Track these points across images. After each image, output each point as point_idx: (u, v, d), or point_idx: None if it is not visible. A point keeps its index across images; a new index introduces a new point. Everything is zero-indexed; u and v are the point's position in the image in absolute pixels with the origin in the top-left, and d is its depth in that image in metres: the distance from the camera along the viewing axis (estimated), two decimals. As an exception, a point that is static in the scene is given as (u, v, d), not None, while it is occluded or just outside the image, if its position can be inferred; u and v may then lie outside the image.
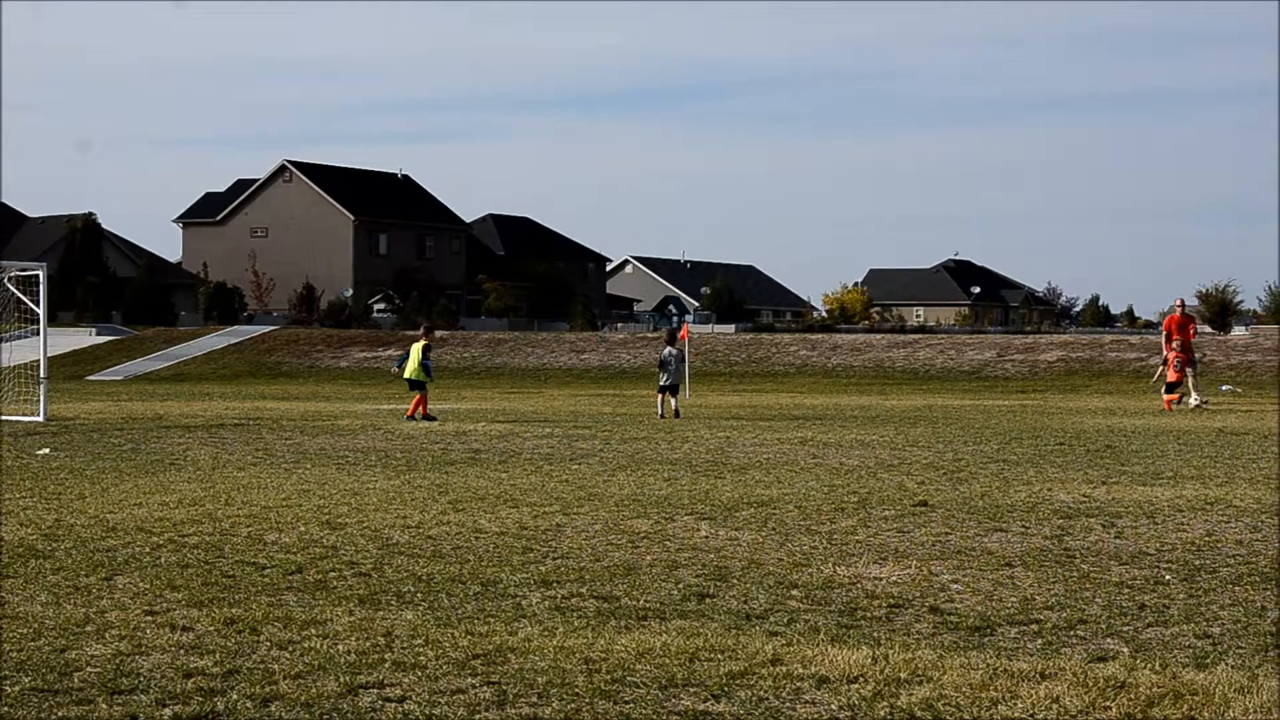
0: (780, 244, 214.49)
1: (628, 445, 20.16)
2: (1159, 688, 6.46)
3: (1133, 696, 6.34)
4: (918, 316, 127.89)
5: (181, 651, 7.23)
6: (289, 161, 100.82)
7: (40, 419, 25.28)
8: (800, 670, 6.81)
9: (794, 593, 8.87)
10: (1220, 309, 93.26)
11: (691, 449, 19.50)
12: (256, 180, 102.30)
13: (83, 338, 66.82)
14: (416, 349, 27.59)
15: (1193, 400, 31.96)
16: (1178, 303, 33.70)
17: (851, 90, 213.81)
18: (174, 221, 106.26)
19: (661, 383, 27.50)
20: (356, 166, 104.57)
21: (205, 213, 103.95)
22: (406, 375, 27.54)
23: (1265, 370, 44.83)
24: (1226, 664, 6.98)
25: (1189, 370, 32.50)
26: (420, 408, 26.54)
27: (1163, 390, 31.23)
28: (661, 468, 16.69)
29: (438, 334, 30.22)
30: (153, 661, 7.02)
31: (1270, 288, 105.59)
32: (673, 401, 26.99)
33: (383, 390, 44.95)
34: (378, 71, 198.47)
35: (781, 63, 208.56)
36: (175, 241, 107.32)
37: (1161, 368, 31.96)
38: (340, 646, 7.31)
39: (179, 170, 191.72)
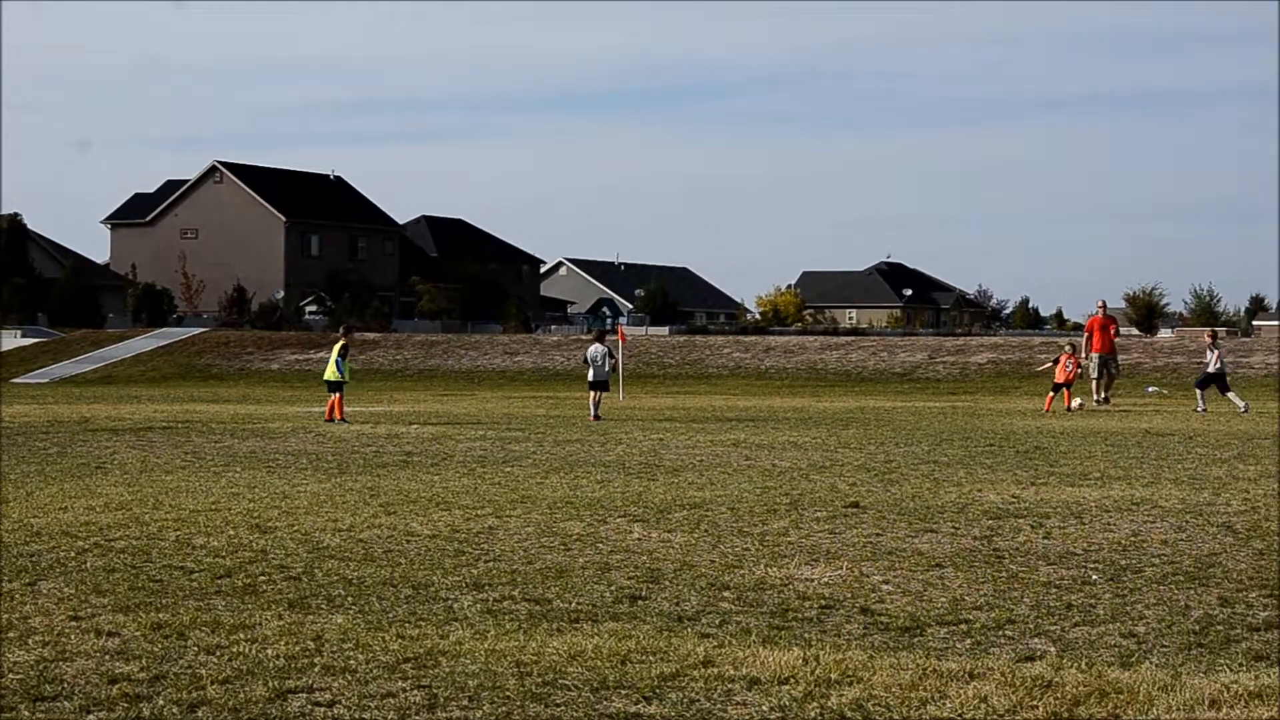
0: (714, 246, 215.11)
1: (561, 447, 20.14)
2: (1085, 686, 6.53)
3: (1059, 695, 6.41)
4: (850, 319, 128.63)
5: (107, 657, 7.14)
6: (219, 162, 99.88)
7: (-36, 422, 24.87)
8: (732, 672, 6.83)
9: (726, 594, 8.89)
10: (1147, 311, 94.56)
11: (625, 451, 19.51)
12: (186, 181, 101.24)
13: (7, 340, 65.87)
14: (334, 350, 27.42)
15: (1094, 400, 32.51)
16: (1099, 304, 34.16)
17: (783, 94, 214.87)
18: (102, 223, 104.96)
19: (589, 379, 27.64)
20: (288, 168, 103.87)
21: (134, 214, 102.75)
22: (325, 377, 27.32)
23: (1190, 372, 45.45)
24: (1151, 663, 7.07)
25: (1106, 371, 32.98)
26: (336, 410, 26.29)
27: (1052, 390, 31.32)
28: (594, 470, 16.68)
29: (357, 335, 29.94)
30: (77, 667, 6.93)
31: (1196, 290, 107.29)
32: (593, 398, 27.01)
33: (314, 393, 44.63)
34: (308, 72, 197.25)
35: (714, 67, 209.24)
36: (103, 243, 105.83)
37: (1050, 364, 32.69)
38: (269, 651, 7.25)
39: (107, 171, 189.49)
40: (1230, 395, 30.04)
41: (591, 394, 27.23)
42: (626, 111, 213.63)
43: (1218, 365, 30.38)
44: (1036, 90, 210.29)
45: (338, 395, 26.59)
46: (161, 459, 18.23)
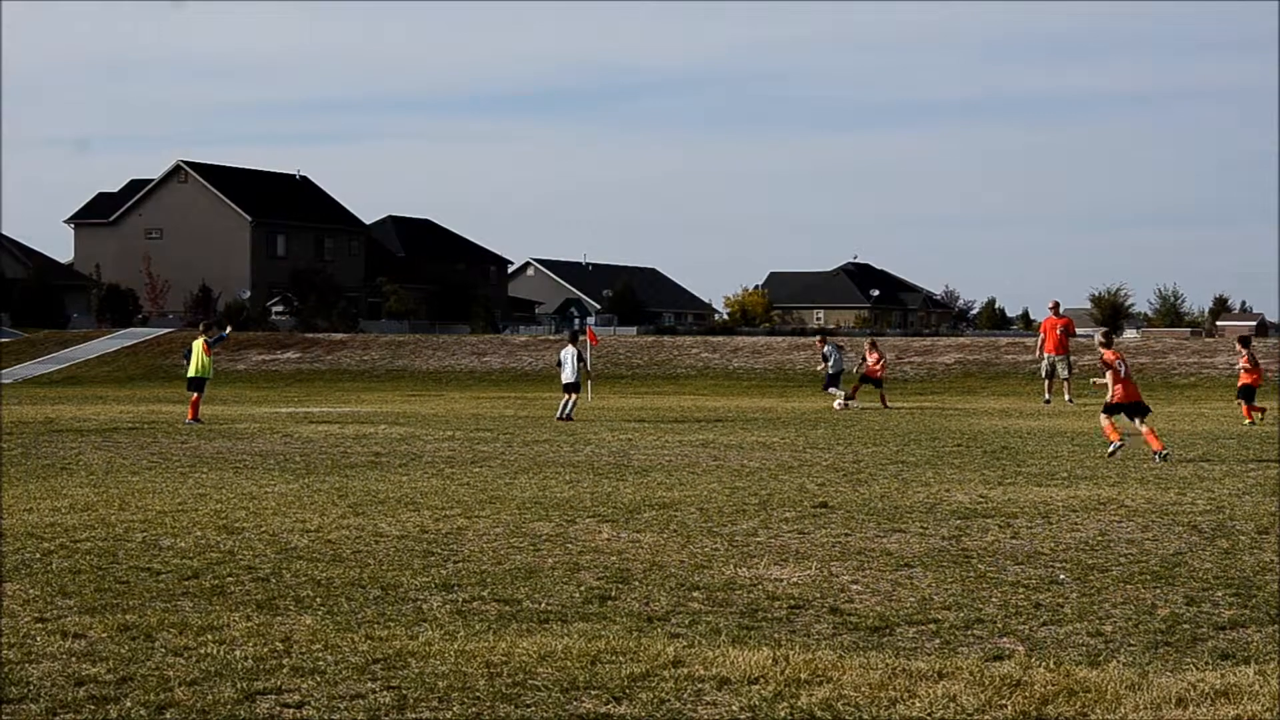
0: (682, 247, 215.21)
1: (530, 448, 20.11)
2: (1053, 685, 6.56)
3: (1028, 694, 6.44)
4: (818, 319, 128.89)
5: (73, 659, 7.09)
6: (184, 162, 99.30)
7: (-74, 423, 24.67)
8: (702, 671, 6.83)
9: (695, 594, 8.89)
10: (1111, 312, 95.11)
11: (593, 451, 19.50)
12: (151, 181, 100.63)
13: (-30, 341, 65.30)
14: (198, 345, 26.77)
15: (1043, 400, 32.79)
16: (1051, 305, 34.30)
17: (751, 93, 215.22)
18: (65, 222, 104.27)
19: (562, 380, 27.74)
20: (253, 167, 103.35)
21: (98, 213, 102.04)
22: (191, 373, 26.62)
23: (1155, 373, 45.72)
24: (1118, 661, 7.10)
25: (1056, 372, 33.20)
26: (193, 409, 25.73)
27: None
28: (563, 470, 16.67)
29: (231, 331, 29.30)
30: (43, 669, 6.88)
31: (1160, 291, 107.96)
32: (568, 399, 27.05)
33: (280, 394, 44.45)
34: (273, 72, 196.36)
35: (682, 65, 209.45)
36: (67, 243, 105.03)
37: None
38: (237, 652, 7.21)
39: (70, 170, 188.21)
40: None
41: (566, 395, 27.24)
42: (595, 111, 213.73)
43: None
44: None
45: (200, 393, 26.02)
46: (127, 460, 18.12)
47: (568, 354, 27.88)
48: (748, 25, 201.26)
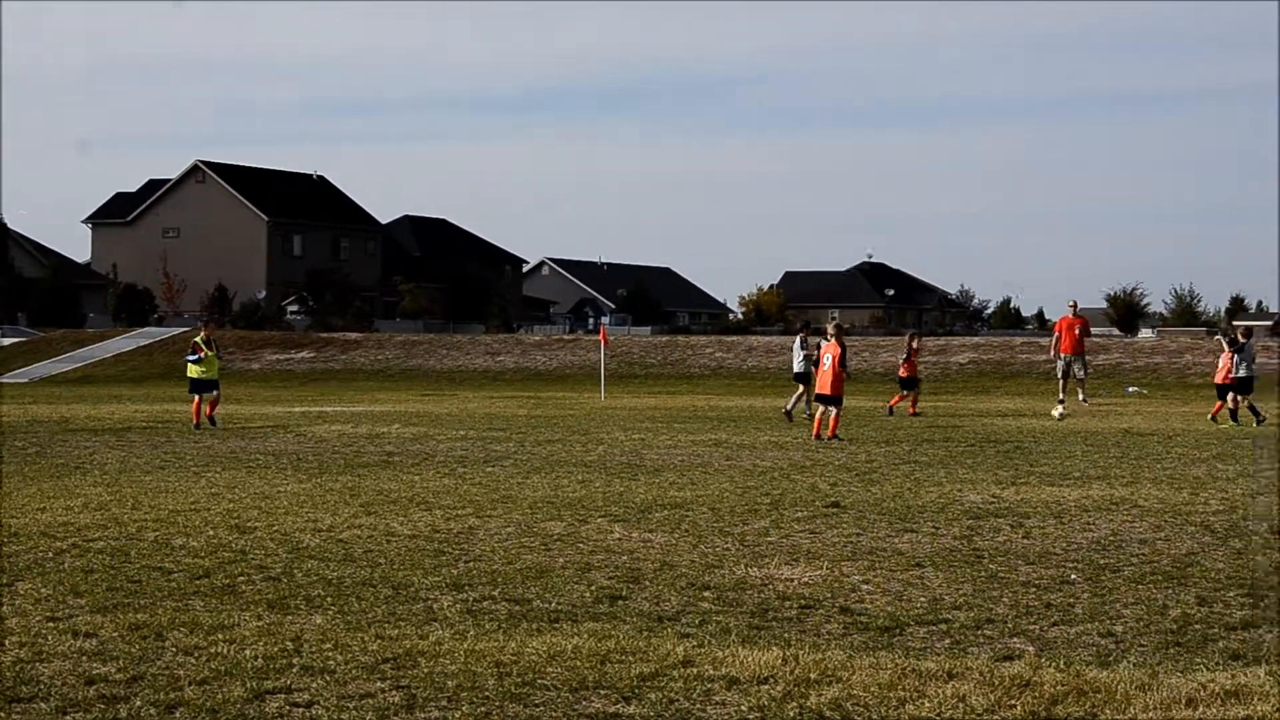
0: (696, 246, 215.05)
1: (542, 448, 20.13)
2: (1063, 686, 6.55)
3: (1037, 694, 6.42)
4: (833, 318, 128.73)
5: (84, 658, 7.11)
6: (201, 162, 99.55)
7: (-58, 422, 24.74)
8: (711, 671, 6.83)
9: (706, 594, 8.89)
10: (1127, 311, 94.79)
11: (606, 451, 19.50)
12: (169, 180, 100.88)
13: (-13, 339, 65.58)
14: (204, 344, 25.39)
15: (1074, 403, 32.50)
16: (1070, 305, 34.24)
17: (766, 92, 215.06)
18: (83, 222, 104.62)
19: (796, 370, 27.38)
20: (270, 167, 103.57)
21: (115, 213, 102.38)
22: (211, 375, 25.13)
23: (1170, 373, 45.61)
24: (1129, 662, 7.09)
25: (1072, 372, 33.07)
26: (209, 409, 24.62)
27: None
28: (576, 470, 16.67)
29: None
30: (54, 669, 6.91)
31: (1176, 291, 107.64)
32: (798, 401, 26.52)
33: (294, 393, 44.54)
34: (290, 72, 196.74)
35: (698, 66, 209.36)
36: (84, 242, 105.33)
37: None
38: (247, 651, 7.23)
39: (89, 170, 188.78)
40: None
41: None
42: (609, 111, 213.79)
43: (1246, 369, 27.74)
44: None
45: (198, 398, 24.77)
46: (141, 459, 18.17)
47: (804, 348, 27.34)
48: (766, 26, 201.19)
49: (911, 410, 29.02)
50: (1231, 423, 24.63)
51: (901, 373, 30.25)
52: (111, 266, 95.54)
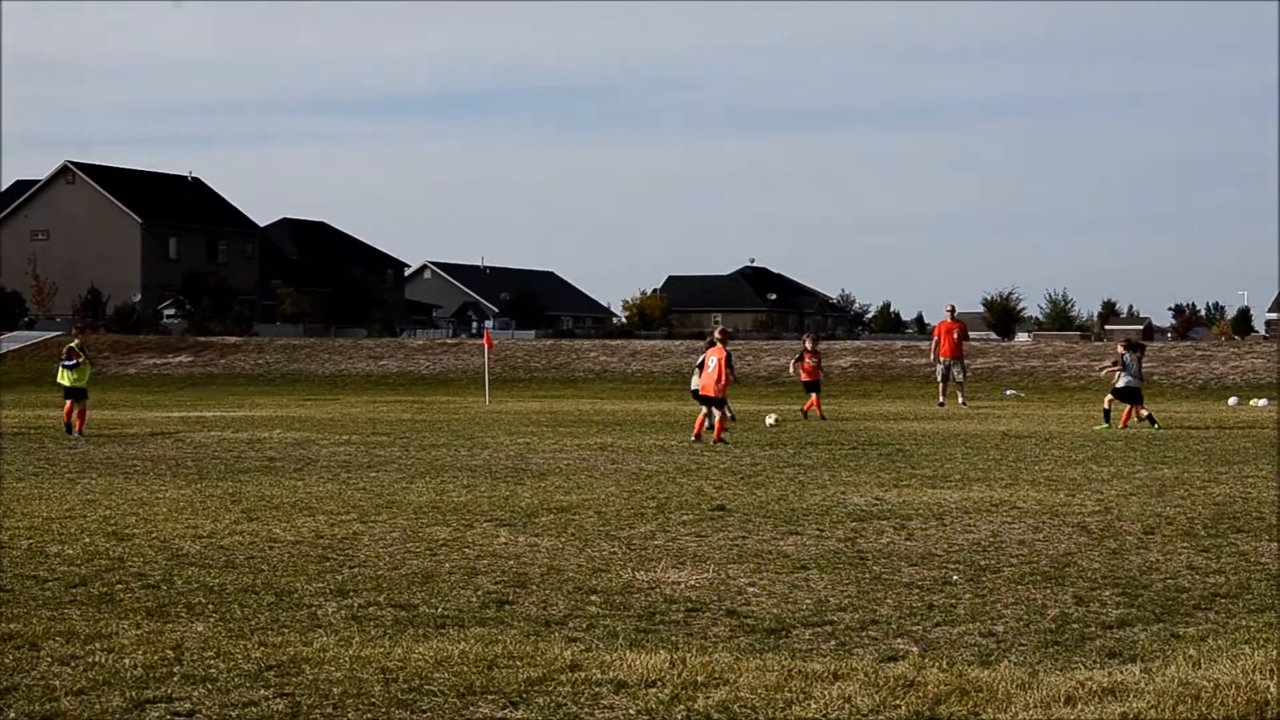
0: (579, 250, 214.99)
1: (426, 452, 19.99)
2: (946, 685, 6.64)
3: (921, 694, 6.51)
4: (715, 321, 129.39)
5: (-44, 670, 6.92)
6: (71, 163, 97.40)
7: None
8: (599, 675, 6.82)
9: (593, 598, 8.89)
10: (1004, 316, 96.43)
11: (491, 455, 19.43)
12: (37, 181, 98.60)
13: None
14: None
15: (937, 403, 33.18)
16: (947, 309, 34.80)
17: (646, 97, 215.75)
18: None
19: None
20: (143, 168, 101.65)
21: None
22: (83, 383, 24.51)
23: (1046, 375, 46.52)
24: (1009, 661, 7.20)
25: (950, 376, 33.67)
26: (72, 418, 23.87)
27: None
28: (461, 474, 16.59)
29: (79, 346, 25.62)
30: (-76, 681, 6.71)
31: (1050, 296, 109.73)
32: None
33: (172, 398, 43.78)
34: (165, 72, 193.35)
35: (575, 68, 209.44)
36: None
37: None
38: (126, 660, 7.08)
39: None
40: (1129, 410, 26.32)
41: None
42: (491, 113, 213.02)
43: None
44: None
45: (70, 402, 24.11)
46: (13, 466, 17.74)
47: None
48: (645, 27, 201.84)
49: (804, 409, 29.21)
50: (1104, 424, 25.13)
51: (802, 376, 30.38)
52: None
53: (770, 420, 26.75)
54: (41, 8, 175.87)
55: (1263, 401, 36.77)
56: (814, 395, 29.76)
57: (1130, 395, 25.60)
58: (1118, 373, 25.70)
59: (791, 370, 30.78)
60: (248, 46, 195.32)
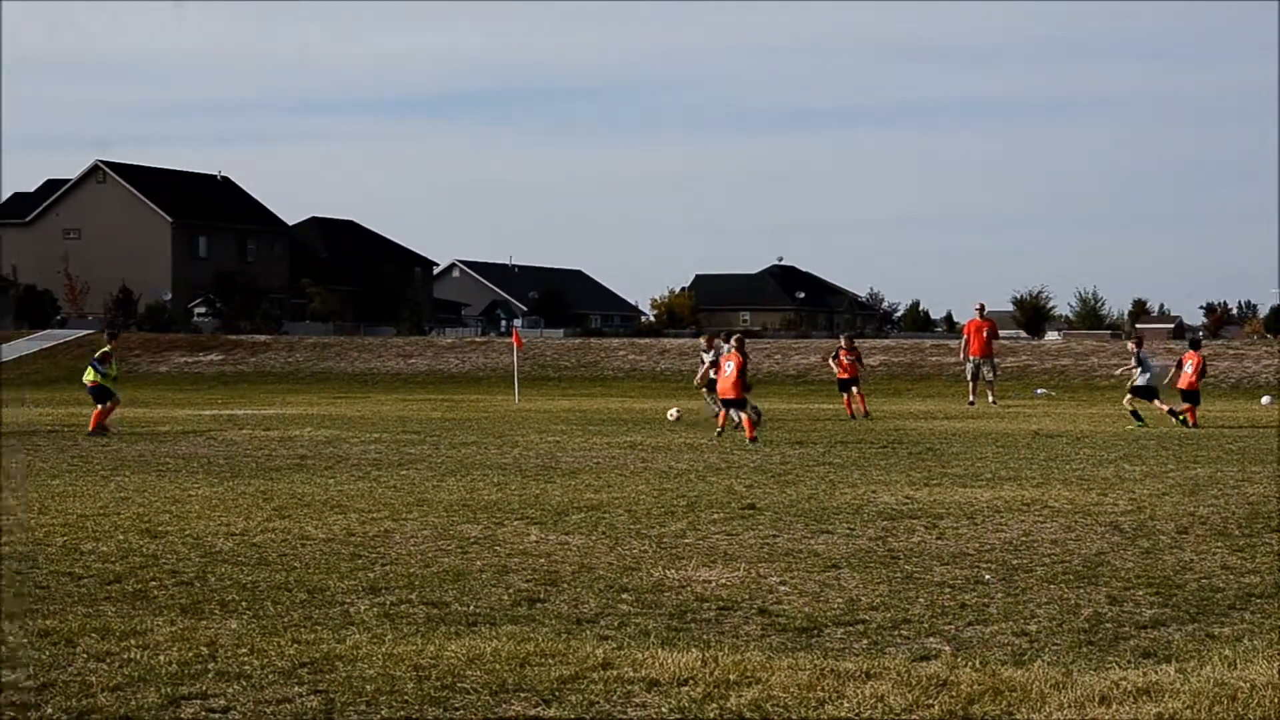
0: (608, 249, 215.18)
1: (457, 450, 20.03)
2: (979, 685, 6.62)
3: (954, 694, 6.49)
4: (744, 321, 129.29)
5: (-7, 666, 6.97)
6: (101, 162, 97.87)
7: None
8: (631, 674, 6.83)
9: (624, 596, 8.89)
10: (1034, 314, 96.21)
11: (521, 454, 19.45)
12: (68, 181, 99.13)
13: (-116, 342, 64.09)
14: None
15: (967, 402, 33.11)
16: (976, 307, 34.69)
17: (677, 95, 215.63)
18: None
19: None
20: (173, 168, 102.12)
21: (13, 213, 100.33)
22: (104, 381, 24.27)
23: (1077, 374, 46.33)
24: (1043, 660, 7.18)
25: (980, 374, 33.57)
26: (93, 421, 23.71)
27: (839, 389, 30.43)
28: (491, 472, 16.62)
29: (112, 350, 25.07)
30: (-38, 677, 6.76)
31: (1081, 294, 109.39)
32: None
33: (204, 396, 43.99)
34: (195, 72, 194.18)
35: (607, 68, 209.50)
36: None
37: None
38: (161, 657, 7.12)
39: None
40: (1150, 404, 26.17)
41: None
42: (522, 112, 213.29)
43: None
44: (923, 95, 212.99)
45: (100, 405, 23.90)
46: (47, 464, 17.85)
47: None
48: (676, 27, 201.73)
49: (849, 408, 29.29)
50: (1136, 423, 24.98)
51: (839, 373, 30.35)
52: (11, 268, 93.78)
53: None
54: (69, 8, 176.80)
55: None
56: (851, 391, 29.64)
57: (1149, 393, 25.62)
58: (1136, 371, 25.72)
59: (832, 365, 30.76)
60: (276, 45, 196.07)
